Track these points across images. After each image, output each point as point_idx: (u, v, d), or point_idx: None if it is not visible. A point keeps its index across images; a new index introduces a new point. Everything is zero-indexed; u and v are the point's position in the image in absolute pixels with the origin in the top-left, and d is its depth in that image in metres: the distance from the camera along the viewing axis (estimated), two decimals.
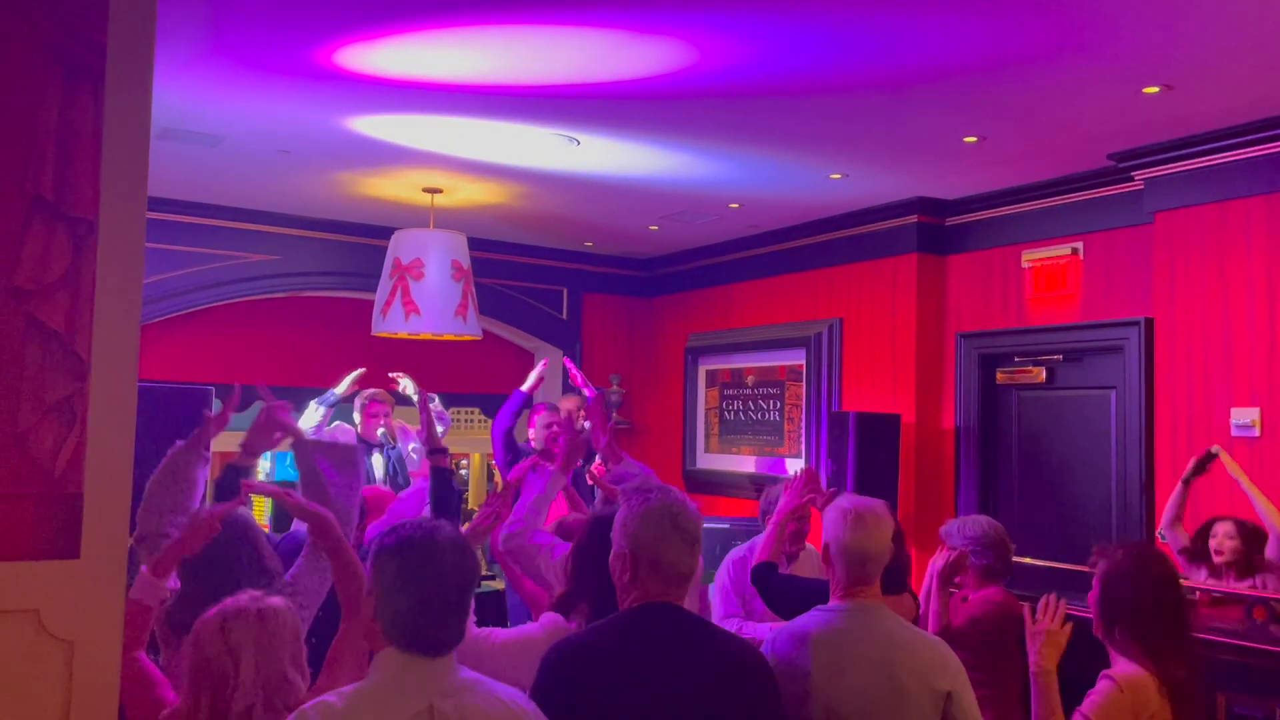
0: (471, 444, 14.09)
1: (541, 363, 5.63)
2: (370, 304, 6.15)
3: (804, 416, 6.86)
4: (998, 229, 5.91)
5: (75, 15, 1.88)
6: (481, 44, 3.81)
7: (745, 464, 7.35)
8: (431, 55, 3.94)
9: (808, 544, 4.44)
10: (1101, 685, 2.55)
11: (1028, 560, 4.88)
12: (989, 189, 5.79)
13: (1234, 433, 4.52)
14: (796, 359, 6.96)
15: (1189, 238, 4.77)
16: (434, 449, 3.39)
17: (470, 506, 10.94)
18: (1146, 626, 2.58)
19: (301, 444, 2.84)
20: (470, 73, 4.11)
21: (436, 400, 5.72)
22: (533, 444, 5.70)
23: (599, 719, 1.97)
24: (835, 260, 6.71)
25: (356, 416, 5.69)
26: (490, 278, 7.49)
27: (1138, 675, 2.54)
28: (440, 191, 6.07)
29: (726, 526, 6.27)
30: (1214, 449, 4.29)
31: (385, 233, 6.23)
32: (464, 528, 3.10)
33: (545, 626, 2.58)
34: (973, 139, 4.81)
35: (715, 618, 4.11)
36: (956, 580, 3.73)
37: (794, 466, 6.87)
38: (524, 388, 5.49)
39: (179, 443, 2.61)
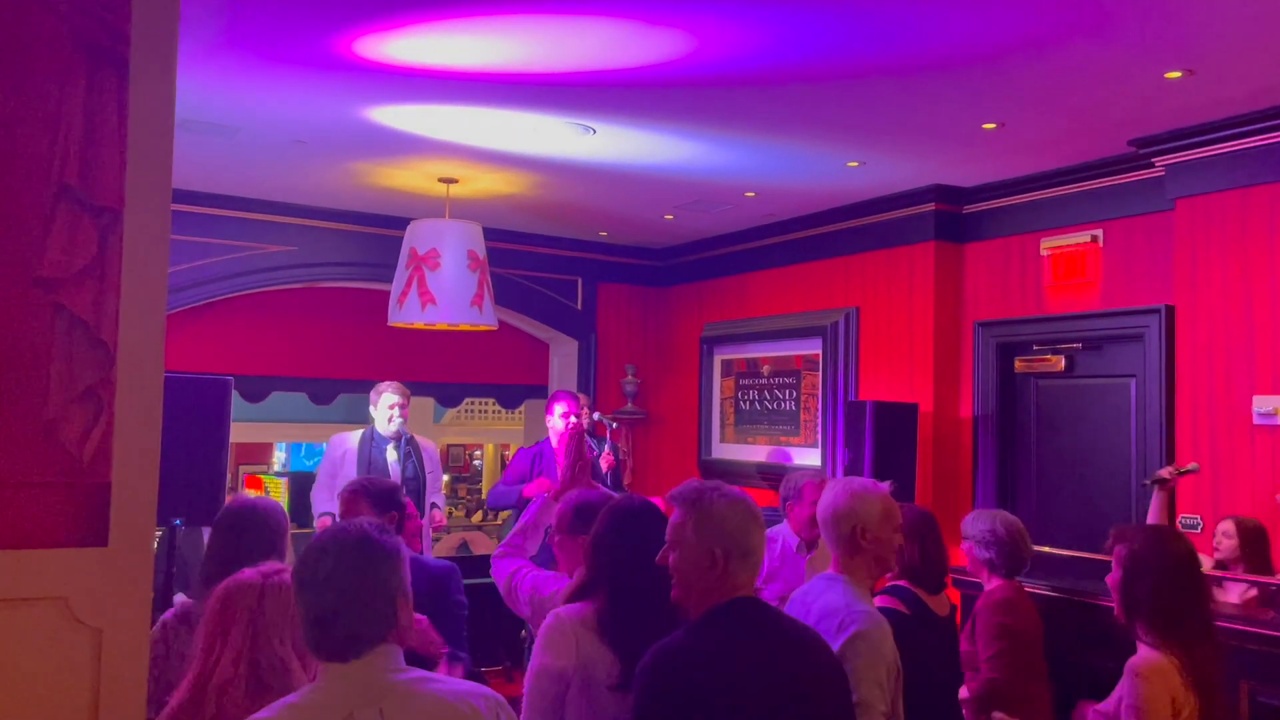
0: (486, 435, 14.16)
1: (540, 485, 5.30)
2: (386, 294, 6.16)
3: (820, 406, 6.85)
4: (1016, 216, 5.87)
5: (99, 3, 1.88)
6: (497, 32, 3.80)
7: (761, 454, 7.34)
8: (448, 44, 3.93)
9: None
10: (1128, 684, 2.54)
11: (1046, 549, 4.86)
12: (1007, 176, 5.76)
13: (1256, 420, 4.48)
14: (813, 348, 6.94)
15: (1210, 224, 4.73)
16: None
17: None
18: (1169, 608, 2.59)
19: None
20: (486, 61, 4.10)
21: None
22: (550, 432, 5.72)
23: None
24: (852, 249, 6.68)
25: (372, 410, 5.70)
26: (505, 268, 7.49)
27: (1159, 660, 2.54)
28: (456, 181, 6.07)
29: None
30: (1193, 465, 4.29)
31: (401, 223, 6.24)
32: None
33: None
34: (992, 126, 4.78)
35: None
36: (970, 574, 3.77)
37: (810, 457, 6.86)
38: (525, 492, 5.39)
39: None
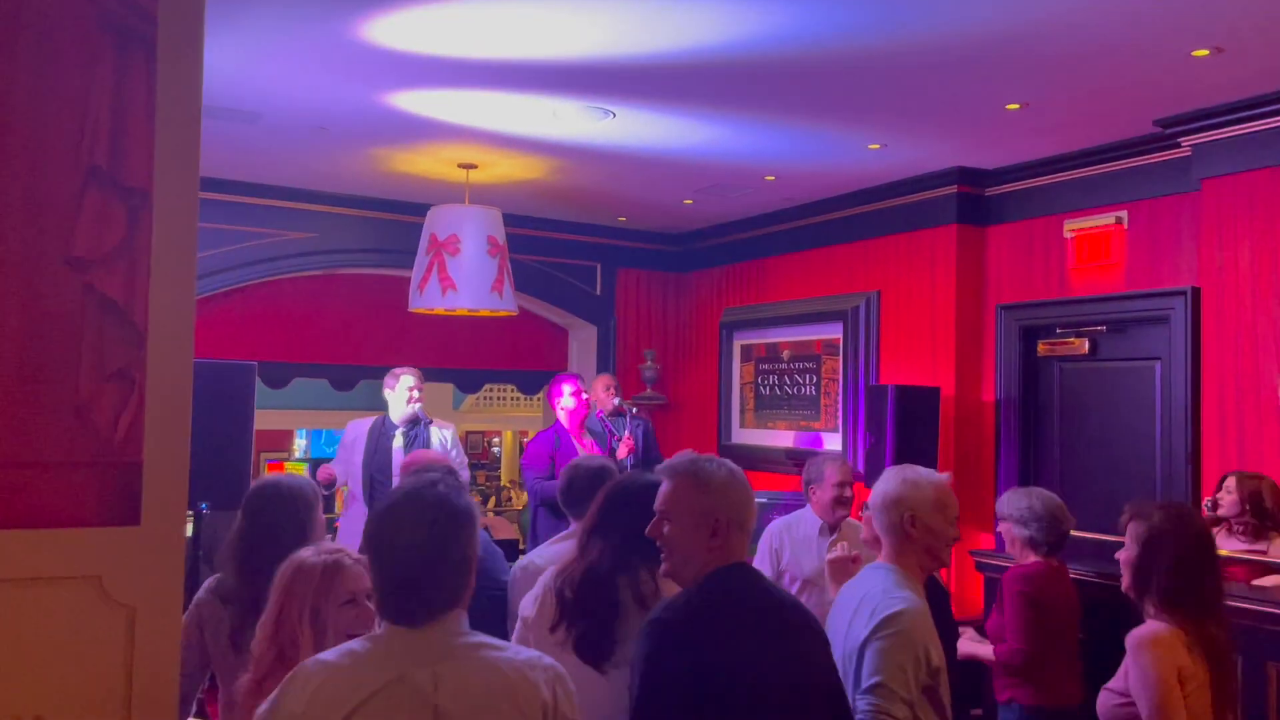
0: (505, 422, 14.19)
1: None
2: (407, 280, 6.17)
3: (840, 390, 6.82)
4: (1039, 198, 5.82)
5: None
6: (517, 16, 3.79)
7: (782, 439, 7.33)
8: (468, 29, 3.92)
9: (850, 517, 4.43)
10: (1132, 656, 2.57)
11: (1071, 533, 4.83)
12: (1031, 158, 5.71)
13: None
14: (833, 333, 6.91)
15: (1237, 205, 4.67)
16: None
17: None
18: (1183, 584, 2.60)
19: None
20: (505, 46, 4.09)
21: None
22: (562, 413, 5.77)
23: (714, 680, 1.99)
24: (873, 232, 6.64)
25: (389, 394, 5.72)
26: (524, 254, 7.49)
27: (1162, 631, 2.57)
28: (475, 167, 6.07)
29: (764, 501, 6.27)
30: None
31: (421, 209, 6.24)
32: None
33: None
34: (1015, 106, 4.74)
35: None
36: (1006, 550, 3.79)
37: (831, 441, 6.85)
38: None
39: None
